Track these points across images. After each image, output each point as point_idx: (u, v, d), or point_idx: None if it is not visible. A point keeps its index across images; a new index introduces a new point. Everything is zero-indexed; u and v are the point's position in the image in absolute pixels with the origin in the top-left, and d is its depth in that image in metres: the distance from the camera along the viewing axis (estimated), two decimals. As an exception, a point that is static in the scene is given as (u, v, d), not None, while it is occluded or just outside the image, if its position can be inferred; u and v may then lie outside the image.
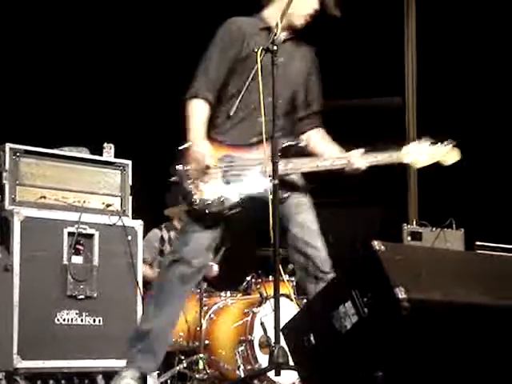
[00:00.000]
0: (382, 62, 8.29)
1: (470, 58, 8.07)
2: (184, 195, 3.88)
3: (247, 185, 3.90)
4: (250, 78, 3.78)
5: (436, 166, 7.24)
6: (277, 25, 3.78)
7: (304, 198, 4.07)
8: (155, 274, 6.01)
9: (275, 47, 3.72)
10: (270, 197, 3.74)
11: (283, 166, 3.86)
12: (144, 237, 5.68)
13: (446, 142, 4.13)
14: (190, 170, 3.86)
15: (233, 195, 3.88)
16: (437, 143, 4.10)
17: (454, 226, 6.75)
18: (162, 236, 6.70)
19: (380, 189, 8.58)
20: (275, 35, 3.74)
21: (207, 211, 3.86)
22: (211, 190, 3.86)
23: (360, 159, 4.00)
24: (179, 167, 3.89)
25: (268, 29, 3.99)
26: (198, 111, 3.95)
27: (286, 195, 3.93)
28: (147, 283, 5.37)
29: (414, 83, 8.04)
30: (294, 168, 3.96)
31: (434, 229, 6.70)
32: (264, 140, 3.78)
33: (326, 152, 4.09)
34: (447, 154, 4.14)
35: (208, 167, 3.83)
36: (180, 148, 3.91)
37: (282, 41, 3.89)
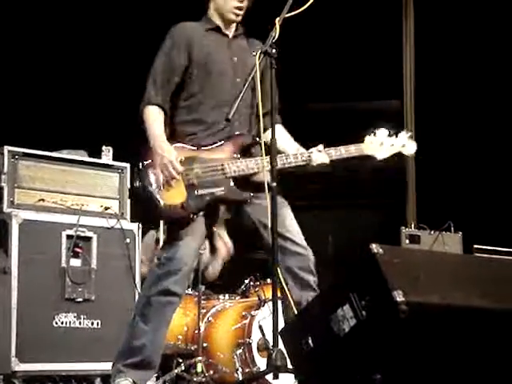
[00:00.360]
0: (380, 66, 8.30)
1: (468, 61, 8.08)
2: (149, 203, 3.86)
3: (211, 188, 3.89)
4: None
5: (434, 170, 7.24)
6: (274, 27, 3.78)
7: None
8: None
9: (273, 50, 3.72)
10: (233, 197, 3.88)
11: (245, 165, 3.90)
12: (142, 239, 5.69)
13: (402, 133, 4.17)
14: (157, 176, 3.85)
15: (196, 198, 3.88)
16: (393, 134, 4.13)
17: (452, 229, 6.76)
18: (157, 238, 6.69)
19: (378, 192, 8.59)
20: (273, 38, 3.74)
21: (173, 216, 3.87)
22: (174, 196, 3.86)
23: (322, 154, 4.02)
24: (145, 171, 3.88)
25: (215, 29, 4.10)
26: (154, 117, 3.98)
27: (250, 195, 3.92)
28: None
29: (412, 86, 8.05)
30: (256, 167, 3.93)
31: (432, 232, 6.71)
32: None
33: (286, 148, 4.07)
34: (406, 144, 4.17)
35: (179, 173, 3.84)
36: (143, 153, 3.94)
37: (232, 37, 4.07)
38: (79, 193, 5.21)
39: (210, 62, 4.02)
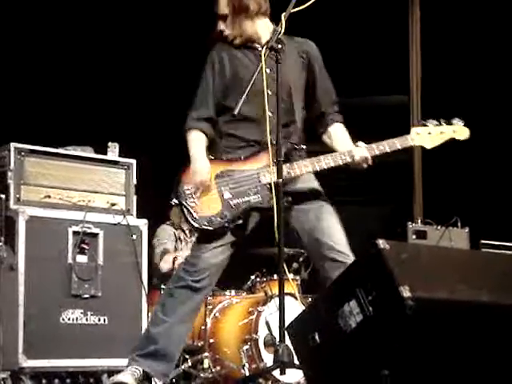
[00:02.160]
0: (386, 61, 8.28)
1: (474, 56, 8.06)
2: (185, 214, 3.94)
3: (246, 196, 3.94)
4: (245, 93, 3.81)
5: (441, 165, 7.22)
6: (280, 22, 3.77)
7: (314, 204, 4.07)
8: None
9: (279, 46, 3.72)
10: (269, 205, 3.86)
11: (286, 170, 3.88)
12: (152, 234, 5.70)
13: (455, 120, 4.09)
14: (190, 188, 3.94)
15: (232, 209, 3.93)
16: (443, 123, 4.06)
17: (459, 224, 6.74)
18: (174, 233, 6.70)
19: (385, 187, 8.58)
20: (279, 33, 3.74)
21: (210, 228, 3.92)
22: (211, 207, 3.93)
23: (362, 149, 3.98)
24: (180, 189, 3.96)
25: (244, 46, 4.07)
26: (194, 141, 4.03)
27: (285, 200, 3.91)
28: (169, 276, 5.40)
29: (419, 81, 8.04)
30: (297, 170, 3.95)
31: (438, 227, 6.69)
32: (270, 146, 3.87)
33: (339, 150, 4.06)
34: (457, 130, 4.09)
35: (204, 182, 3.92)
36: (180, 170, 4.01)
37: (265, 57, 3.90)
38: (85, 189, 5.21)
39: (243, 80, 3.99)
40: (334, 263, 3.92)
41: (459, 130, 4.07)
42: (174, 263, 6.00)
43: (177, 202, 3.94)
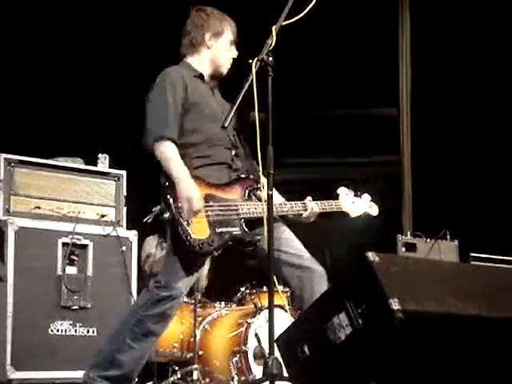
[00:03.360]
0: (376, 73, 8.31)
1: (464, 69, 8.09)
2: (179, 233, 3.89)
3: (229, 226, 3.99)
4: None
5: (430, 178, 7.26)
6: (271, 35, 3.78)
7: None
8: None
9: (270, 58, 3.73)
10: (246, 238, 3.99)
11: (254, 208, 4.01)
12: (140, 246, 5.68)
13: (365, 195, 4.45)
14: (183, 209, 3.88)
15: (219, 236, 3.96)
16: (356, 195, 4.41)
17: (448, 237, 6.76)
18: (158, 240, 6.67)
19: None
20: (270, 46, 3.75)
21: (201, 251, 3.91)
22: (201, 230, 3.93)
23: (314, 204, 4.21)
24: (173, 204, 3.90)
25: (199, 76, 4.20)
26: (172, 151, 3.96)
27: (259, 238, 3.99)
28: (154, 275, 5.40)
29: (409, 94, 8.05)
30: (259, 210, 4.03)
31: (428, 240, 6.70)
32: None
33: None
34: (370, 206, 4.49)
35: (199, 211, 3.90)
36: (165, 185, 3.96)
37: (210, 88, 4.18)
38: (75, 200, 5.21)
39: (203, 104, 4.11)
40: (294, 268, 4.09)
41: (373, 207, 4.51)
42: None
43: (170, 216, 3.89)
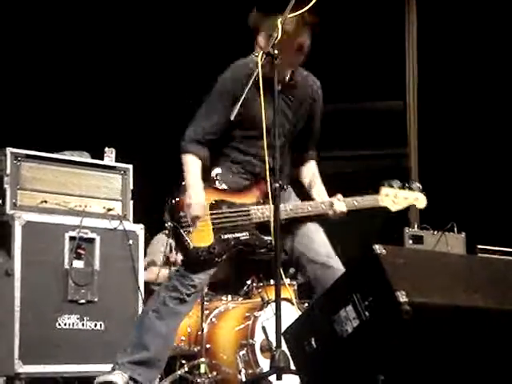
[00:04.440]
0: (383, 67, 8.29)
1: (471, 62, 8.07)
2: (179, 241, 3.95)
3: (236, 232, 3.99)
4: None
5: (437, 170, 7.23)
6: (277, 28, 3.77)
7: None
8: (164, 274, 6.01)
9: (276, 51, 3.71)
10: (255, 243, 3.99)
11: (284, 209, 3.95)
12: (149, 240, 5.68)
13: (415, 186, 4.26)
14: (184, 216, 3.94)
15: (222, 243, 3.97)
16: (406, 187, 4.23)
17: (455, 229, 6.75)
18: (167, 242, 6.68)
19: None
20: (275, 39, 3.73)
21: (200, 259, 3.94)
22: (203, 237, 3.95)
23: (341, 203, 4.11)
24: (175, 213, 3.95)
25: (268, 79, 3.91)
26: (191, 168, 4.01)
27: (271, 240, 3.97)
28: (157, 285, 5.43)
29: (415, 87, 8.04)
30: (292, 212, 4.04)
31: (435, 232, 6.70)
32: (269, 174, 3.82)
33: (314, 193, 4.21)
34: (419, 199, 4.26)
35: (197, 217, 3.92)
36: (174, 198, 4.00)
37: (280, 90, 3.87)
38: (82, 194, 5.21)
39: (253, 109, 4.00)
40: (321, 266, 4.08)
41: (420, 199, 4.26)
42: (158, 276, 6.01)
43: (172, 225, 3.95)
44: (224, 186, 4.05)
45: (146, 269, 6.31)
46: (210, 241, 3.95)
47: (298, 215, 4.07)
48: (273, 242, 3.91)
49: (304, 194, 4.22)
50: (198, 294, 4.20)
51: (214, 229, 3.97)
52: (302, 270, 4.21)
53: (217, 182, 4.06)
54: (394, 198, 4.18)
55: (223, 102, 4.00)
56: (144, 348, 4.02)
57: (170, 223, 3.96)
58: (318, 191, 4.22)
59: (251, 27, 4.08)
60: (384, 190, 4.18)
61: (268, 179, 3.77)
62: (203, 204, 3.95)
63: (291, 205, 4.05)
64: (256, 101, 3.87)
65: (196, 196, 3.94)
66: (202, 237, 3.95)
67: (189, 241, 3.91)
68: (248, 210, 4.02)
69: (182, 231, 3.92)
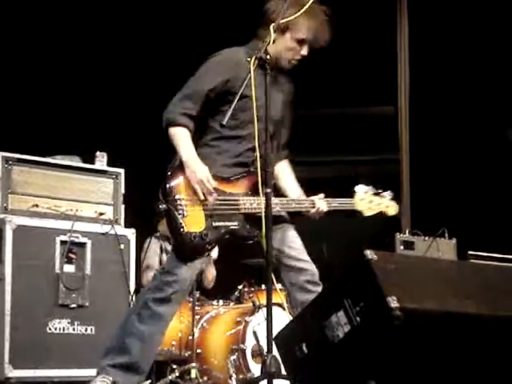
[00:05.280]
0: (374, 72, 8.31)
1: (463, 67, 8.09)
2: (171, 225, 3.92)
3: (226, 221, 3.99)
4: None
5: (428, 176, 7.25)
6: (269, 32, 3.77)
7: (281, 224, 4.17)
8: None
9: (268, 56, 3.72)
10: (244, 233, 4.00)
11: (257, 204, 3.97)
12: (141, 244, 5.68)
13: (387, 193, 4.36)
14: (181, 198, 3.91)
15: (214, 230, 3.96)
16: (378, 193, 4.32)
17: (446, 235, 6.76)
18: (160, 245, 6.69)
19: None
20: (268, 44, 3.74)
21: (192, 244, 3.92)
22: (196, 223, 3.93)
23: (323, 202, 4.16)
24: (170, 195, 3.92)
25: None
26: (186, 140, 3.99)
27: (258, 232, 3.97)
28: None
29: (407, 92, 8.05)
30: (278, 206, 4.05)
31: (426, 238, 6.70)
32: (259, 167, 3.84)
33: (287, 190, 4.24)
34: (389, 205, 4.36)
35: (216, 189, 3.92)
36: (170, 170, 3.97)
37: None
38: (73, 198, 5.21)
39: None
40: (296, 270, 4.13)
41: (391, 207, 4.37)
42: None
43: (165, 207, 3.90)
44: (214, 174, 4.01)
45: (142, 275, 6.31)
46: (203, 227, 3.93)
47: (283, 210, 4.11)
48: (260, 235, 3.93)
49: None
50: (182, 295, 4.12)
51: (205, 215, 3.95)
52: (279, 275, 4.22)
53: (209, 169, 4.00)
54: (369, 202, 4.29)
55: (211, 75, 4.03)
56: (125, 352, 4.00)
57: (163, 206, 3.91)
58: (295, 190, 4.24)
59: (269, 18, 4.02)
60: (359, 194, 4.29)
61: (259, 169, 3.80)
62: (210, 175, 3.92)
63: (277, 199, 4.04)
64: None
65: (202, 169, 3.91)
66: (194, 222, 3.92)
67: (183, 224, 3.88)
68: (237, 200, 4.01)
69: (176, 214, 3.89)
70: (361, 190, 4.30)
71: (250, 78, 3.73)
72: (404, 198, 7.88)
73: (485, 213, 7.88)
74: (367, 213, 4.30)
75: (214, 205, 3.96)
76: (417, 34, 8.05)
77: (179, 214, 3.89)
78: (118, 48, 7.71)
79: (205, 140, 4.10)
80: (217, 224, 3.96)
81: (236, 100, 3.70)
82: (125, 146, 7.15)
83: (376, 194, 4.32)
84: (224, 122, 3.71)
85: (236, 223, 4.00)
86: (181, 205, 3.91)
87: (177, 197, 3.91)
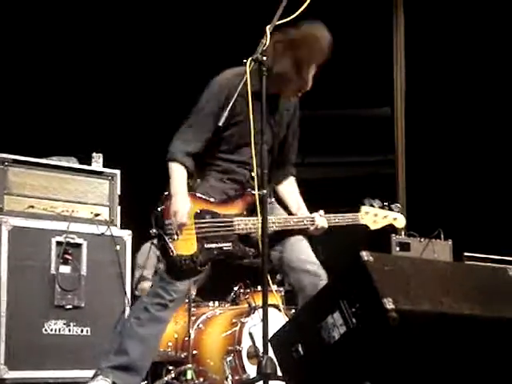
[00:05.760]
0: (370, 73, 8.32)
1: (459, 68, 8.10)
2: (162, 249, 3.96)
3: (219, 242, 4.00)
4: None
5: (424, 177, 7.26)
6: (265, 34, 3.77)
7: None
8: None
9: (264, 58, 3.72)
10: (238, 254, 4.01)
11: (252, 224, 3.99)
12: (138, 248, 5.66)
13: (394, 206, 4.35)
14: (170, 224, 3.95)
15: (206, 252, 3.98)
16: (386, 206, 4.32)
17: (442, 236, 6.76)
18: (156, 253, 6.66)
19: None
20: (264, 46, 3.74)
21: (183, 267, 3.95)
22: (187, 246, 3.96)
23: (323, 219, 4.15)
24: (161, 220, 3.96)
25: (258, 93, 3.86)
26: (178, 176, 4.02)
27: (253, 251, 4.01)
28: None
29: (403, 94, 8.06)
30: (275, 225, 4.06)
31: (422, 239, 6.71)
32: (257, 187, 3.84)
33: (294, 208, 4.23)
34: (397, 217, 4.35)
35: (183, 225, 3.94)
36: (161, 198, 4.00)
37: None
38: (69, 199, 5.20)
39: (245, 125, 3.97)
40: (308, 274, 4.08)
41: (399, 219, 4.35)
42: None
43: (156, 232, 3.96)
44: (208, 197, 4.05)
45: (136, 285, 6.28)
46: (194, 249, 3.96)
47: (280, 228, 4.10)
48: (255, 253, 3.96)
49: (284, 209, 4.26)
50: (180, 301, 4.21)
51: (197, 238, 3.98)
52: (287, 278, 4.23)
53: (201, 192, 4.07)
54: (374, 216, 4.28)
55: (211, 109, 4.01)
56: (124, 354, 4.03)
57: (154, 230, 3.97)
58: (299, 207, 4.25)
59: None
60: (364, 208, 4.27)
61: (256, 186, 3.80)
62: (188, 212, 3.96)
63: (274, 218, 4.06)
64: (244, 110, 3.88)
65: (182, 204, 3.95)
66: (185, 245, 3.96)
67: (172, 248, 3.92)
68: (231, 221, 4.03)
69: (166, 238, 3.93)
70: (367, 203, 4.29)
71: (247, 80, 3.73)
72: (400, 199, 7.89)
73: (480, 214, 7.89)
74: (373, 226, 4.30)
75: (206, 228, 3.99)
76: (413, 35, 8.07)
77: (169, 238, 3.93)
78: (114, 50, 7.71)
79: (203, 161, 4.12)
80: (209, 246, 3.99)
81: (232, 101, 3.70)
82: (121, 148, 7.14)
83: (382, 208, 4.32)
84: (220, 124, 3.71)
85: (229, 244, 4.02)
86: (171, 229, 3.94)
87: (167, 222, 3.95)
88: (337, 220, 4.20)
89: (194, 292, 5.95)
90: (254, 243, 3.95)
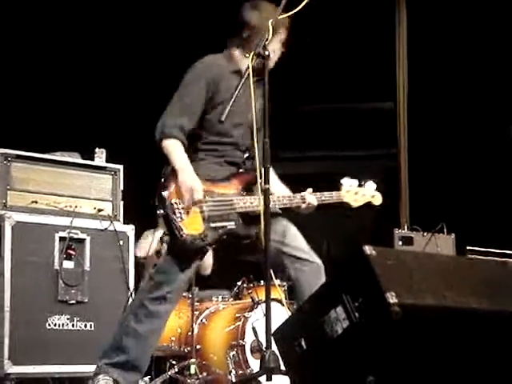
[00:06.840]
0: (373, 67, 8.31)
1: (461, 63, 8.09)
2: (172, 229, 3.94)
3: (223, 221, 4.02)
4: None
5: (427, 171, 7.26)
6: (268, 29, 3.77)
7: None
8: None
9: (266, 52, 3.72)
10: (241, 232, 4.04)
11: (250, 202, 4.04)
12: (137, 239, 5.66)
13: (369, 182, 4.47)
14: (179, 203, 3.95)
15: (213, 231, 3.99)
16: (362, 185, 4.45)
17: (445, 230, 6.76)
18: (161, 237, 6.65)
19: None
20: (266, 40, 3.74)
21: (193, 246, 3.95)
22: (195, 226, 3.97)
23: (312, 197, 4.24)
24: (167, 200, 3.95)
25: (238, 72, 4.08)
26: (179, 152, 4.02)
27: (256, 231, 3.99)
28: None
29: (405, 88, 8.06)
30: (277, 203, 4.14)
31: (425, 233, 6.71)
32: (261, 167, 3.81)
33: (277, 189, 4.27)
34: (375, 194, 4.49)
35: (200, 201, 3.95)
36: (163, 178, 4.01)
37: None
38: (72, 195, 5.21)
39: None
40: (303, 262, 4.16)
41: (376, 196, 4.49)
42: (149, 251, 5.97)
43: (163, 213, 3.94)
44: (206, 176, 4.05)
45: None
46: (202, 229, 3.96)
47: (276, 207, 4.13)
48: (258, 233, 3.95)
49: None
50: (178, 294, 4.16)
51: (203, 217, 3.98)
52: (284, 269, 4.23)
53: (201, 171, 4.05)
54: (355, 194, 4.40)
55: (198, 86, 4.08)
56: (124, 351, 4.04)
57: (161, 211, 3.95)
58: (283, 189, 4.30)
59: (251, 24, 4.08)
60: (345, 187, 4.39)
61: (258, 168, 3.81)
62: (201, 186, 3.96)
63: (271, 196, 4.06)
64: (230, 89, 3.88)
65: (194, 180, 3.95)
66: (193, 225, 3.95)
67: (183, 228, 3.91)
68: (231, 200, 4.05)
69: (173, 217, 3.92)
70: (346, 182, 4.41)
71: (245, 77, 3.73)
72: (403, 193, 7.89)
73: (483, 208, 7.88)
74: (354, 204, 4.42)
75: (210, 207, 3.98)
76: (415, 30, 8.06)
77: (177, 218, 3.92)
78: (116, 45, 7.70)
79: (193, 146, 4.12)
80: (215, 225, 4.00)
81: (235, 96, 3.71)
82: (124, 143, 7.14)
83: (360, 186, 4.44)
84: (222, 119, 3.72)
85: (233, 223, 4.03)
86: (178, 208, 3.94)
87: (173, 201, 3.95)
88: (323, 198, 4.29)
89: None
90: (254, 222, 3.93)
